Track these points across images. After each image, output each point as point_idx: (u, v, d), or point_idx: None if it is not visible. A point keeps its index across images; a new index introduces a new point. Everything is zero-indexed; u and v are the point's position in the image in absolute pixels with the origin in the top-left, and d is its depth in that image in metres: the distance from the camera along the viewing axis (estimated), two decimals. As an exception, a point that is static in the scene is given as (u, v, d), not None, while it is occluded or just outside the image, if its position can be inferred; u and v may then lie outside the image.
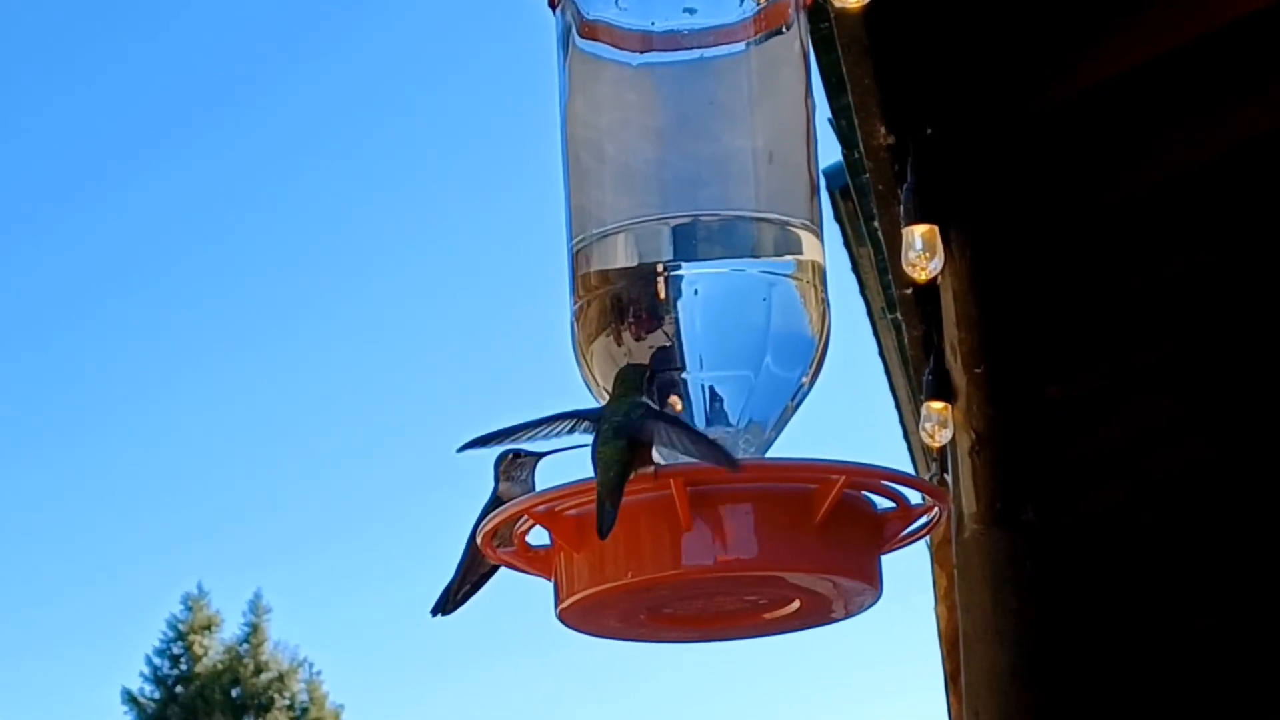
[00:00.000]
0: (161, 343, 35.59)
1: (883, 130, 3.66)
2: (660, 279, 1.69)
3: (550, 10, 1.79)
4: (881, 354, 6.28)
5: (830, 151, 4.47)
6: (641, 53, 1.75)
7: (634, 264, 1.71)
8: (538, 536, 1.65)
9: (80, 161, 35.25)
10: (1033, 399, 3.82)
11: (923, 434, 4.11)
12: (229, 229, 36.28)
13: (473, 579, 1.78)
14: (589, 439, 1.57)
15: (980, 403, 3.79)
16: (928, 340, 4.19)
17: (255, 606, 26.92)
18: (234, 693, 26.18)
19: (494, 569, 1.75)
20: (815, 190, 1.77)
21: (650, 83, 1.77)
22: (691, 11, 1.74)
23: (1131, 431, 5.08)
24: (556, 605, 1.61)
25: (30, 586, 35.43)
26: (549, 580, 1.64)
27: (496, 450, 1.71)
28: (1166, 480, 5.27)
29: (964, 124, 3.76)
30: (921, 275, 3.76)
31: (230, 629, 26.77)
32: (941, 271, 3.76)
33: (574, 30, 1.76)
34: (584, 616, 1.63)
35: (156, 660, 26.53)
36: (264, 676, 26.41)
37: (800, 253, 1.73)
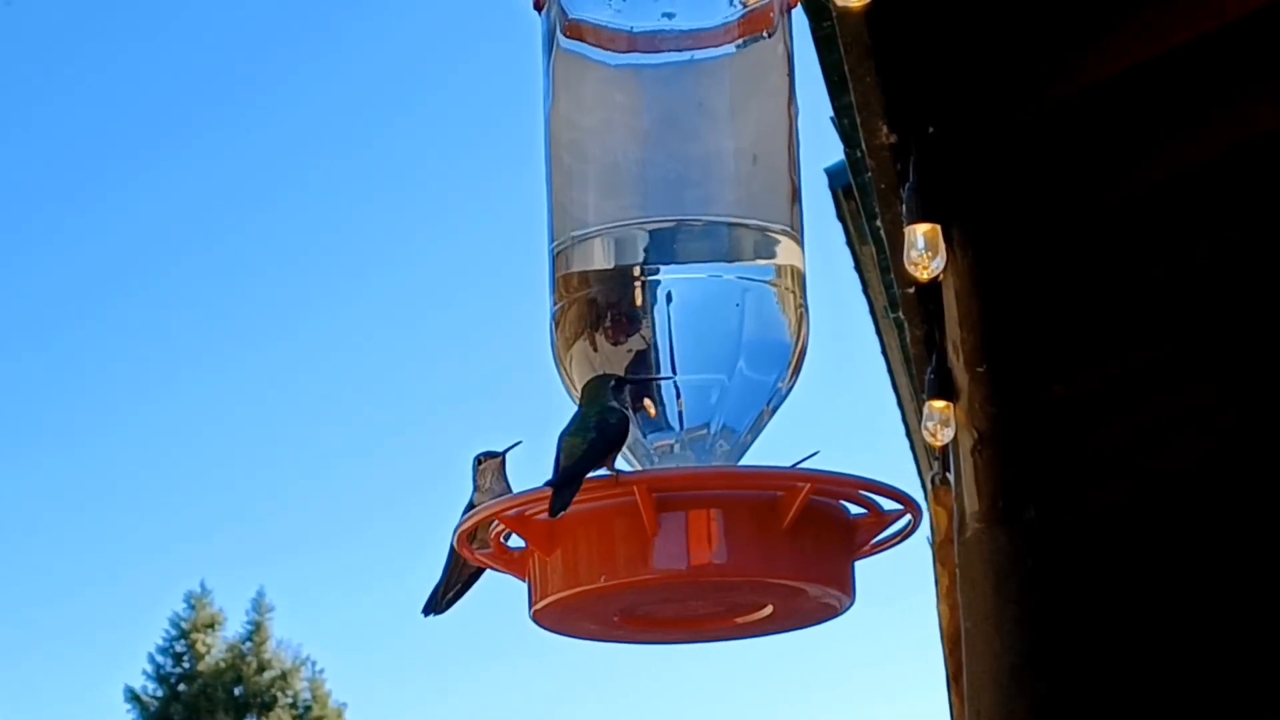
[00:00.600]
0: (164, 341, 35.62)
1: (885, 129, 3.66)
2: (638, 282, 1.69)
3: (535, 12, 1.78)
4: (884, 353, 6.28)
5: (832, 150, 4.47)
6: (623, 54, 1.75)
7: (612, 267, 1.71)
8: (515, 538, 1.65)
9: (81, 161, 35.27)
10: (1035, 398, 3.83)
11: (925, 433, 4.11)
12: (230, 228, 36.30)
13: (460, 580, 1.79)
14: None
15: (982, 402, 3.79)
16: (930, 339, 4.19)
17: (258, 605, 26.93)
18: (237, 691, 26.18)
19: (480, 571, 1.76)
20: (797, 195, 1.76)
21: (632, 85, 1.77)
22: (670, 16, 1.73)
23: (1133, 430, 5.08)
24: (530, 607, 1.62)
25: (33, 584, 35.47)
26: (523, 581, 1.65)
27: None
28: (1168, 479, 5.27)
29: (966, 123, 3.77)
30: (924, 274, 3.76)
31: (233, 627, 26.78)
32: (944, 270, 3.76)
33: (558, 30, 1.76)
34: (557, 618, 1.63)
35: (159, 658, 26.55)
36: (267, 675, 26.40)
37: (779, 258, 1.73)
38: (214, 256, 35.33)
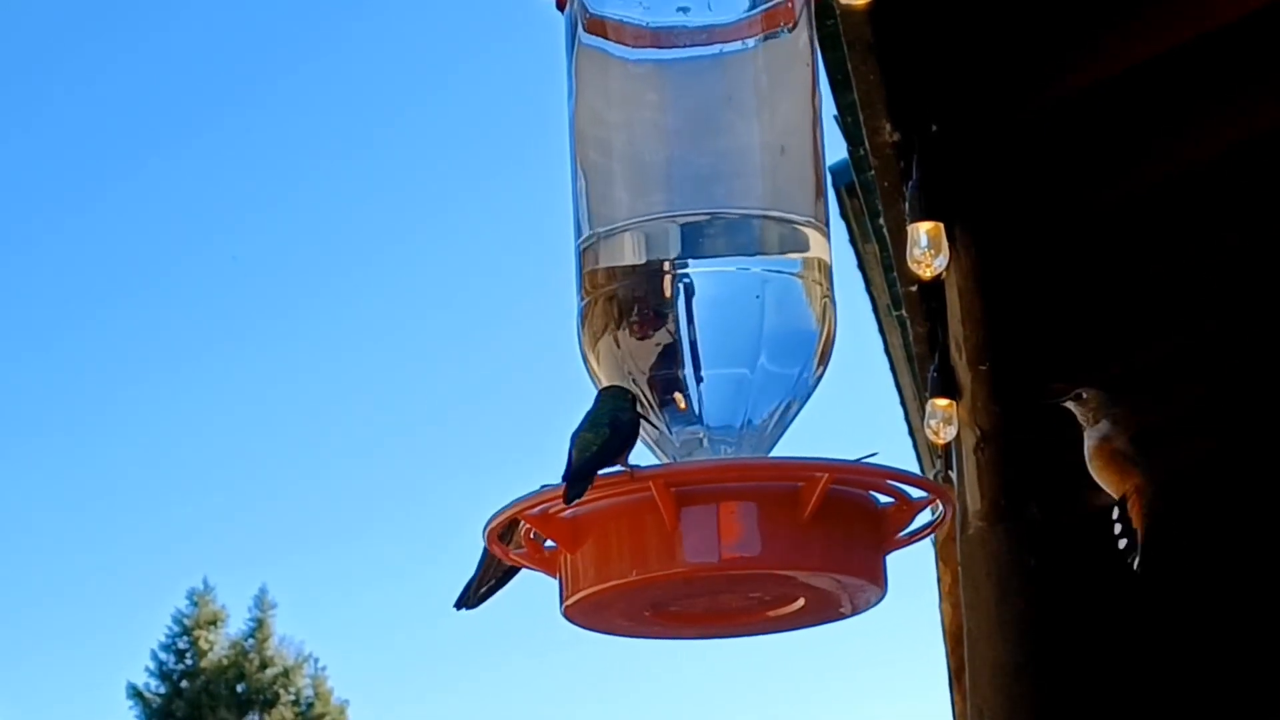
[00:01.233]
0: (166, 339, 35.60)
1: (888, 127, 3.66)
2: (664, 277, 1.69)
3: (558, 10, 1.79)
4: (886, 351, 6.28)
5: (835, 148, 4.47)
6: (645, 49, 1.75)
7: (638, 262, 1.71)
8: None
9: (82, 160, 35.25)
10: (1037, 395, 3.83)
11: (927, 431, 4.11)
12: (232, 226, 36.28)
13: (495, 575, 1.79)
14: None
15: (985, 400, 3.79)
16: (932, 337, 4.20)
17: (260, 602, 26.91)
18: (239, 688, 26.17)
19: (515, 568, 1.76)
20: (822, 188, 1.76)
21: (655, 80, 1.78)
22: (685, 10, 1.74)
23: (1135, 428, 5.07)
24: (562, 603, 1.62)
25: (36, 581, 35.44)
26: (555, 579, 1.65)
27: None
28: (1170, 477, 5.27)
29: (969, 121, 3.77)
30: (926, 272, 3.76)
31: (236, 624, 26.76)
32: (946, 268, 3.77)
33: (580, 26, 1.77)
34: (588, 614, 1.63)
35: (162, 655, 26.53)
36: (269, 672, 26.39)
37: (807, 250, 1.73)
38: (214, 254, 35.31)
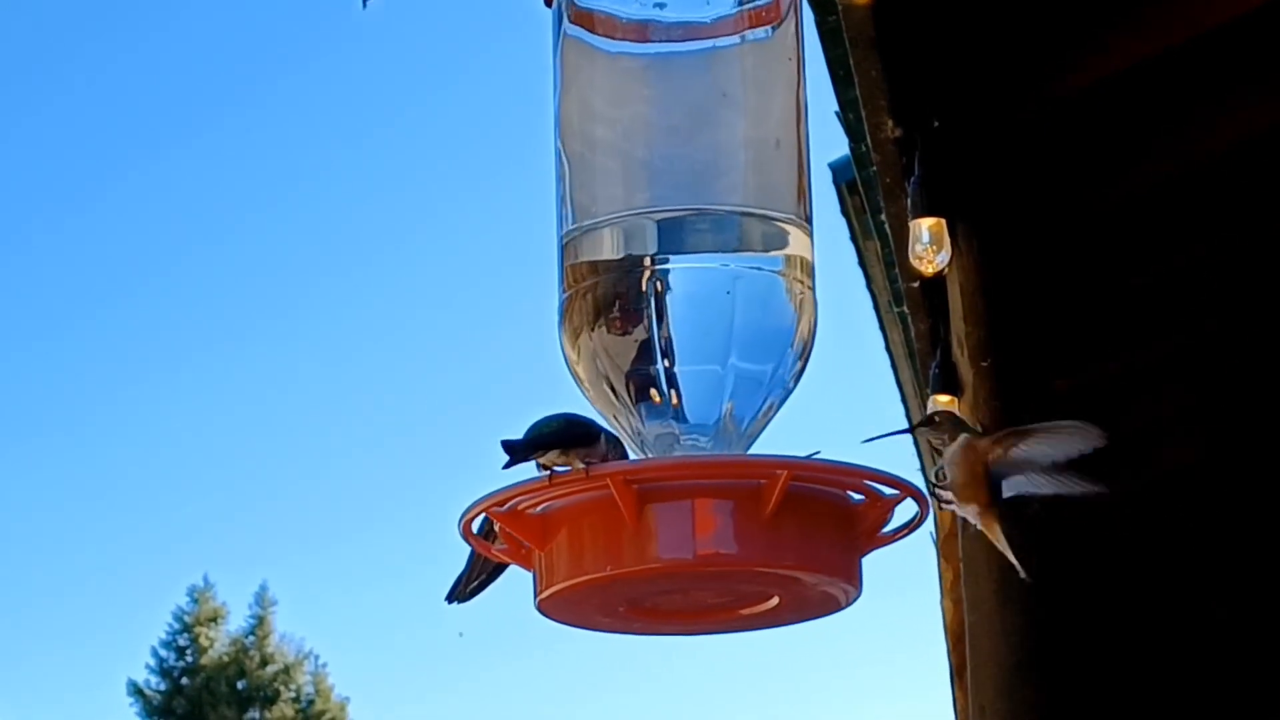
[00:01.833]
0: (167, 337, 35.63)
1: (890, 123, 3.66)
2: (644, 273, 1.69)
3: (546, 6, 1.79)
4: (887, 348, 6.27)
5: (837, 145, 4.47)
6: (630, 43, 1.75)
7: (619, 256, 1.71)
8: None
9: (83, 158, 35.28)
10: (1039, 392, 3.82)
11: (929, 428, 4.10)
12: (233, 224, 36.31)
13: (485, 570, 1.79)
14: None
15: (987, 396, 3.79)
16: (934, 334, 4.19)
17: (261, 599, 26.95)
18: (240, 685, 26.19)
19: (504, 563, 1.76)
20: (806, 185, 1.76)
21: (639, 74, 1.77)
22: (662, 6, 1.74)
23: (1138, 425, 5.07)
24: (535, 598, 1.63)
25: (36, 579, 35.46)
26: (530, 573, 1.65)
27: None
28: (1173, 474, 5.26)
29: (971, 117, 3.76)
30: (928, 268, 3.76)
31: (236, 621, 26.79)
32: (948, 265, 3.76)
33: (566, 19, 1.76)
34: (562, 609, 1.64)
35: (162, 652, 26.55)
36: (270, 669, 26.41)
37: (788, 248, 1.72)
38: (215, 252, 35.33)
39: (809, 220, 1.74)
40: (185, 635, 26.48)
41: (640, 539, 1.55)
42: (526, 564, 1.65)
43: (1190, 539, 5.46)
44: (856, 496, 1.62)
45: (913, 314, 4.35)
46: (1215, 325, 4.75)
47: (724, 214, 1.72)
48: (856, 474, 1.59)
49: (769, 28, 1.77)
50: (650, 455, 1.69)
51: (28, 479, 35.04)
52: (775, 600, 1.64)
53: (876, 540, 1.64)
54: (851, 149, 4.44)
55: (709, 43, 1.76)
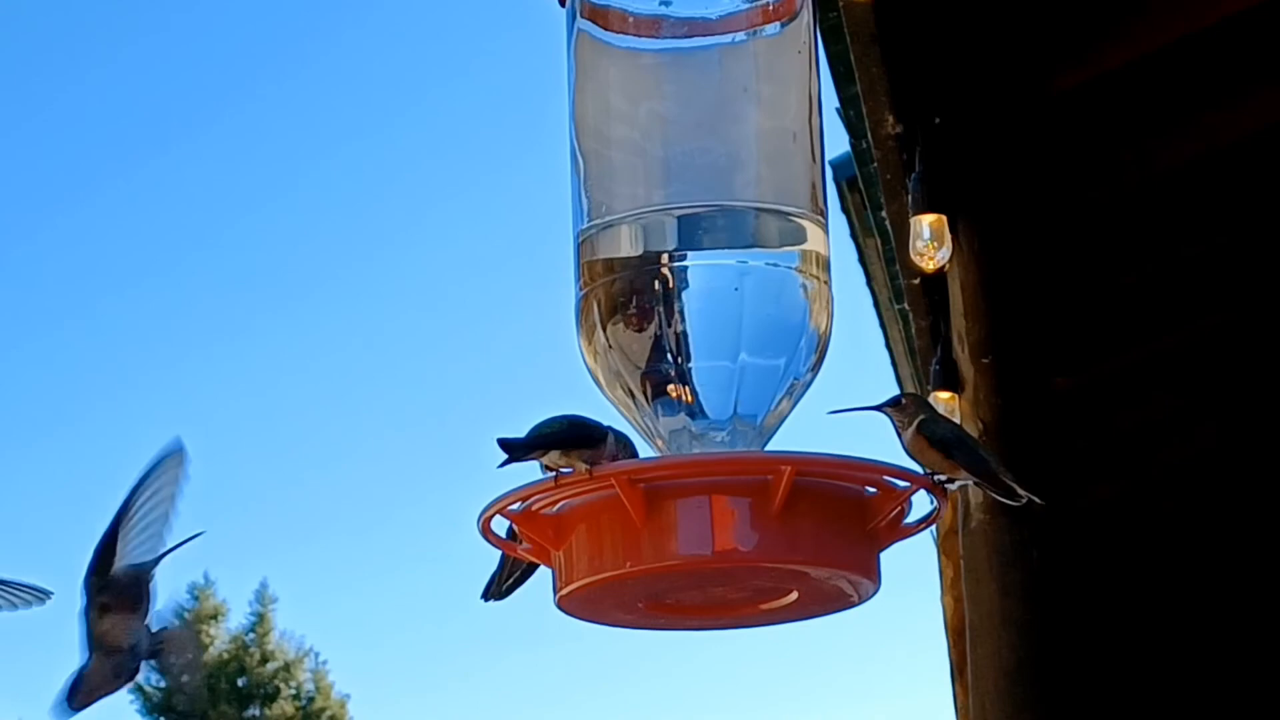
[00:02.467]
0: (168, 333, 35.61)
1: (891, 119, 3.65)
2: (660, 269, 1.69)
3: (560, 4, 1.79)
4: (888, 344, 6.27)
5: (838, 141, 4.47)
6: (644, 38, 1.75)
7: (636, 253, 1.71)
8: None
9: (87, 155, 35.26)
10: (1040, 389, 3.82)
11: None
12: (235, 220, 36.31)
13: (518, 568, 1.79)
14: None
15: (987, 393, 3.78)
16: (935, 330, 4.19)
17: (261, 596, 26.94)
18: (240, 682, 26.18)
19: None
20: (821, 181, 1.76)
21: (653, 70, 1.77)
22: (667, 3, 1.74)
23: (1139, 421, 5.07)
24: (555, 595, 1.63)
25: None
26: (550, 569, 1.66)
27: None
28: (1174, 470, 5.26)
29: (972, 113, 3.76)
30: (929, 265, 3.76)
31: (236, 618, 26.78)
32: (949, 261, 3.76)
33: (580, 15, 1.76)
34: (580, 606, 1.64)
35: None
36: (270, 666, 26.41)
37: (804, 243, 1.72)
38: (218, 248, 35.33)
39: (824, 214, 1.74)
40: (186, 632, 26.47)
41: (648, 537, 1.55)
42: (550, 562, 1.66)
43: (1191, 535, 5.46)
44: (870, 490, 1.62)
45: (913, 311, 4.34)
46: (1216, 321, 4.75)
47: (742, 209, 1.72)
48: (864, 468, 1.59)
49: (784, 22, 1.77)
50: (666, 452, 1.69)
51: (28, 476, 35.05)
52: (794, 595, 1.64)
53: (899, 532, 1.64)
54: (852, 145, 4.44)
55: (724, 38, 1.76)
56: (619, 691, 32.34)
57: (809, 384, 1.72)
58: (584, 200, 1.74)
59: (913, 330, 4.55)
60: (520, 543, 1.67)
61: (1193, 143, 4.08)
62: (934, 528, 5.10)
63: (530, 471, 1.63)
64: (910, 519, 1.65)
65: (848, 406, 1.74)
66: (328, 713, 26.43)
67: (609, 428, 1.64)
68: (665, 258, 1.69)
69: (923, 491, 1.65)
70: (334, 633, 36.47)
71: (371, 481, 35.70)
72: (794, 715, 34.17)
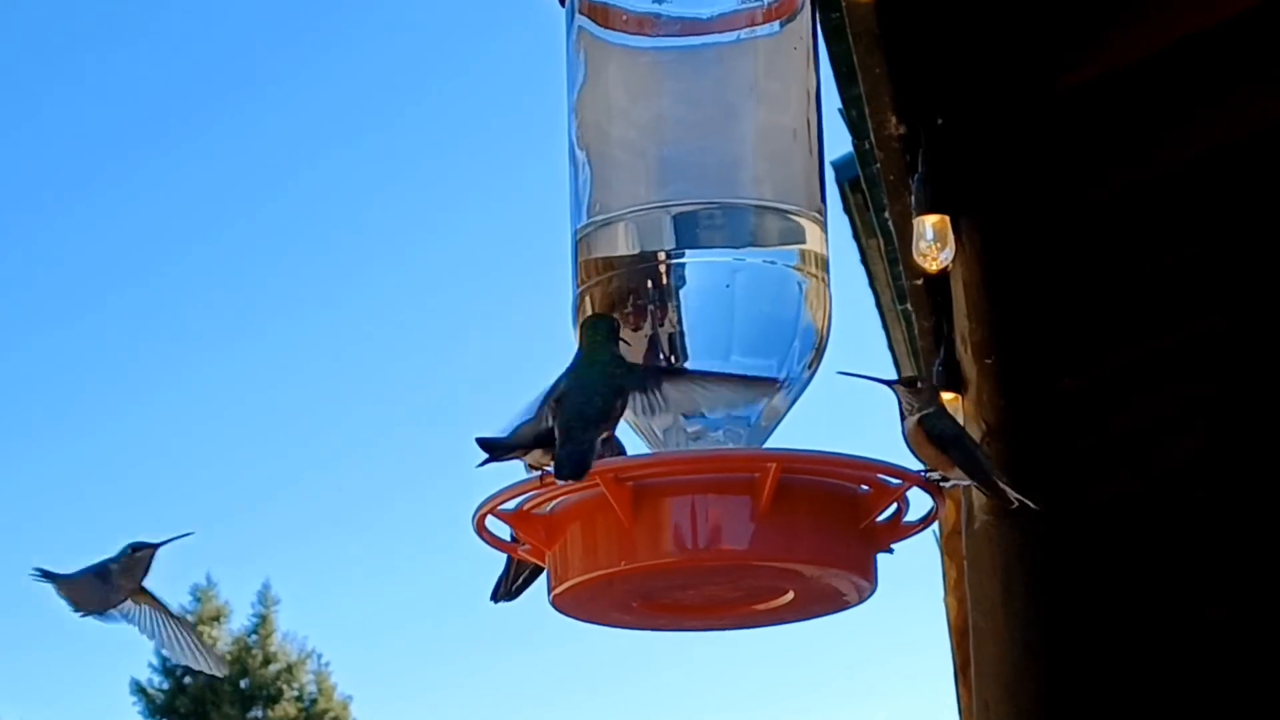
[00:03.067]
0: (169, 333, 35.59)
1: (894, 120, 3.65)
2: (656, 268, 1.69)
3: (560, 4, 1.79)
4: (890, 346, 6.26)
5: (840, 142, 4.46)
6: (643, 36, 1.75)
7: (634, 252, 1.71)
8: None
9: (87, 155, 35.26)
10: (1044, 390, 3.82)
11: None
12: (234, 220, 36.31)
13: (525, 569, 1.79)
14: None
15: (991, 394, 3.78)
16: (938, 331, 4.19)
17: (264, 597, 26.93)
18: (242, 683, 26.18)
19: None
20: (821, 180, 1.76)
21: (651, 68, 1.77)
22: (660, 0, 1.74)
23: (1143, 422, 5.06)
24: (549, 594, 1.63)
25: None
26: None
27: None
28: (1178, 471, 5.26)
29: (976, 114, 3.76)
30: (932, 266, 3.75)
31: (239, 620, 26.76)
32: (952, 262, 3.76)
33: (579, 13, 1.76)
34: (575, 605, 1.64)
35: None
36: (272, 667, 26.40)
37: (803, 242, 1.72)
38: (216, 248, 35.35)
39: (823, 213, 1.74)
40: (188, 634, 26.45)
41: (637, 535, 1.55)
42: (545, 561, 1.66)
43: (1195, 536, 5.46)
44: (863, 488, 1.61)
45: (916, 312, 4.34)
46: (1222, 322, 4.75)
47: (741, 207, 1.72)
48: (853, 465, 1.58)
49: (783, 20, 1.77)
50: (661, 451, 1.68)
51: (28, 476, 35.05)
52: (789, 595, 1.63)
53: (898, 532, 1.63)
54: (854, 146, 4.43)
55: (724, 37, 1.76)
56: (619, 691, 32.33)
57: (806, 384, 1.71)
58: (582, 198, 1.74)
59: (916, 331, 4.55)
60: (521, 543, 1.67)
61: (1194, 143, 4.07)
62: (937, 528, 5.11)
63: (515, 473, 1.63)
64: (910, 518, 1.65)
65: (861, 373, 1.72)
66: (330, 714, 26.44)
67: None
68: (663, 256, 1.69)
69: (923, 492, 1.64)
70: (337, 634, 36.46)
71: (374, 483, 35.72)
72: (794, 715, 34.18)
